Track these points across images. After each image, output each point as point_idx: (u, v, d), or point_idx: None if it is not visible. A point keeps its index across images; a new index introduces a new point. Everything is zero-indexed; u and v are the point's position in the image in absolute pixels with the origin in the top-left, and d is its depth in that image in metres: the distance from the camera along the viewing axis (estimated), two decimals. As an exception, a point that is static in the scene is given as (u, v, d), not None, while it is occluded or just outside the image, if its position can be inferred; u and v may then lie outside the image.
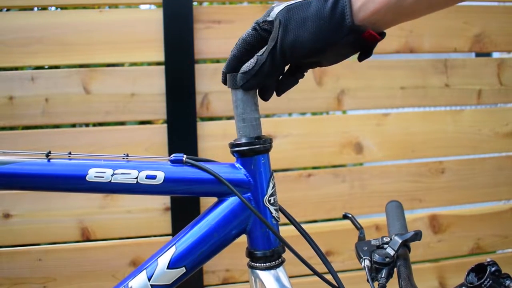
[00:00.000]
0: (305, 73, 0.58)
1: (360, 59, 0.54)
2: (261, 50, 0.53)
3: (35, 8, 1.40)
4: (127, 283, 0.56)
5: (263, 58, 0.53)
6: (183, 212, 1.22)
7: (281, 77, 0.58)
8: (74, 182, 0.55)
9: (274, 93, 0.59)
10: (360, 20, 0.48)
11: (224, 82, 0.58)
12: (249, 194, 0.57)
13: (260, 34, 0.54)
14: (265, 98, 0.59)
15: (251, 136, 0.57)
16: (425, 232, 1.38)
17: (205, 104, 1.26)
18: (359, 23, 0.48)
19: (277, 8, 0.53)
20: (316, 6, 0.50)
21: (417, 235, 0.60)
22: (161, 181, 0.56)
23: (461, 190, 1.42)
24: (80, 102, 1.20)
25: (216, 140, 1.26)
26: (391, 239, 0.60)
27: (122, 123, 1.47)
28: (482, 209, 1.45)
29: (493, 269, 0.49)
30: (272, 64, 0.53)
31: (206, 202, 1.23)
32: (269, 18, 0.53)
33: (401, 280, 0.57)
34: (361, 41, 0.50)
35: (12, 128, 1.29)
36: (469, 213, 1.43)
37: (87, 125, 1.64)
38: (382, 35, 0.51)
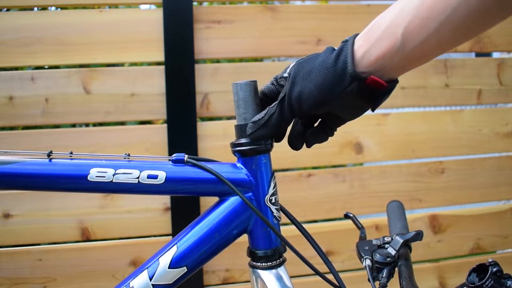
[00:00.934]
0: (335, 131, 0.59)
1: (372, 109, 0.53)
2: (274, 103, 0.55)
3: (35, 8, 1.40)
4: (128, 283, 0.56)
5: (272, 110, 0.54)
6: (183, 212, 1.22)
7: (311, 130, 0.59)
8: (75, 182, 0.55)
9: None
10: (365, 67, 0.48)
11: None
12: (250, 193, 0.57)
13: (277, 88, 0.56)
14: (294, 146, 0.60)
15: (252, 136, 0.57)
16: (425, 232, 1.38)
17: (205, 104, 1.26)
18: (364, 70, 0.48)
19: (292, 64, 0.54)
20: (322, 58, 0.51)
21: (419, 235, 0.60)
22: (163, 180, 0.56)
23: (461, 190, 1.42)
24: (80, 102, 1.20)
25: (216, 140, 1.26)
26: (392, 239, 0.60)
27: (122, 123, 1.47)
28: (482, 209, 1.45)
29: (494, 269, 0.48)
30: (281, 116, 0.53)
31: (206, 202, 1.23)
32: (285, 74, 0.54)
33: (402, 280, 0.57)
34: (367, 89, 0.49)
35: (12, 128, 1.29)
36: (469, 213, 1.43)
37: (87, 125, 1.63)
38: (392, 82, 0.50)
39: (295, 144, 0.59)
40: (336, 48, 0.51)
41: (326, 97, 0.50)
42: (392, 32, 0.46)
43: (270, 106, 0.55)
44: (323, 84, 0.50)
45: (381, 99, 0.51)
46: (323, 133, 0.58)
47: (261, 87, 0.59)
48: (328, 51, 0.51)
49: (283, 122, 0.54)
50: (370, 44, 0.48)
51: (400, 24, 0.45)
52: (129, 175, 0.55)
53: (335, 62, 0.49)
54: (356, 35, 0.50)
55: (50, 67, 1.30)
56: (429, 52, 0.47)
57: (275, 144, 0.60)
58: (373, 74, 0.48)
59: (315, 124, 0.59)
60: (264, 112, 0.55)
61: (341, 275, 0.59)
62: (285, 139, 0.60)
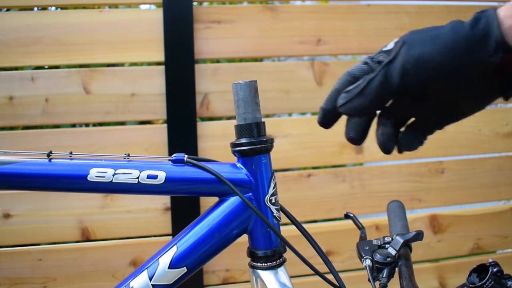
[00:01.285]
0: (427, 137, 0.48)
1: (506, 97, 0.42)
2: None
3: (35, 8, 1.40)
4: (128, 283, 0.56)
5: (372, 75, 0.42)
6: (183, 212, 1.22)
7: (404, 131, 0.49)
8: (75, 182, 0.55)
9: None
10: None
11: (322, 121, 0.49)
12: (250, 193, 0.57)
13: (371, 67, 0.45)
14: (386, 147, 0.48)
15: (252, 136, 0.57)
16: (425, 232, 1.37)
17: (205, 104, 1.26)
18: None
19: (394, 42, 0.44)
20: (450, 25, 0.41)
21: (419, 235, 0.60)
22: (163, 181, 0.56)
23: (461, 190, 1.42)
24: (80, 102, 1.20)
25: (216, 140, 1.26)
26: (392, 239, 0.60)
27: (122, 123, 1.46)
28: (482, 209, 1.45)
29: (495, 269, 0.48)
30: (384, 80, 0.42)
31: (206, 202, 1.23)
32: (386, 48, 0.44)
33: (402, 280, 0.57)
34: (508, 67, 0.39)
35: (12, 128, 1.29)
36: (469, 213, 1.43)
37: (87, 125, 1.63)
38: None
39: (388, 146, 0.48)
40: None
41: (455, 64, 0.39)
42: None
43: (368, 75, 0.43)
44: (454, 48, 0.39)
45: None
46: (416, 138, 0.48)
47: (261, 87, 0.59)
48: (455, 21, 0.41)
49: (385, 92, 0.42)
50: None
51: None
52: (129, 175, 0.55)
53: (471, 26, 0.39)
54: (495, 8, 0.40)
55: (50, 67, 1.30)
56: None
57: (275, 144, 0.60)
58: None
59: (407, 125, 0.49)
60: (360, 80, 0.44)
61: (341, 275, 0.59)
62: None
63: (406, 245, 0.60)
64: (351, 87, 0.44)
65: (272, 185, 0.58)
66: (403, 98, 0.44)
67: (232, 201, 0.57)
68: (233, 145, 0.58)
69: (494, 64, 0.38)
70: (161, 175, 0.56)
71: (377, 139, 0.49)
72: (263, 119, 0.59)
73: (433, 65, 0.40)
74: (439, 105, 0.44)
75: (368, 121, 0.49)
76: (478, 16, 0.40)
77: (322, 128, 0.52)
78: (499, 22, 0.38)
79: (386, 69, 0.42)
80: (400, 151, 0.49)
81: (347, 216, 0.68)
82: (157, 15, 1.22)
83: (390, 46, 0.44)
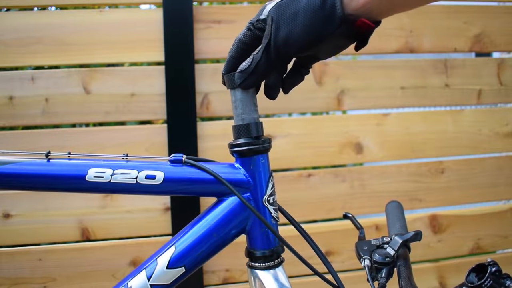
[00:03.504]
0: (310, 69, 0.58)
1: (357, 48, 0.53)
2: (257, 49, 0.54)
3: (35, 8, 1.40)
4: (127, 283, 0.56)
5: (258, 57, 0.53)
6: (183, 212, 1.22)
7: (287, 75, 0.58)
8: (73, 182, 0.55)
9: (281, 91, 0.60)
10: (353, 9, 0.48)
11: (224, 83, 0.58)
12: (248, 194, 0.57)
13: (255, 33, 0.54)
14: (272, 96, 0.59)
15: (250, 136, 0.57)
16: (425, 232, 1.38)
17: (205, 104, 1.26)
18: (352, 13, 0.48)
19: (269, 6, 0.54)
20: (307, 0, 0.50)
21: (417, 235, 0.60)
22: (161, 181, 0.56)
23: (461, 190, 1.42)
24: (80, 102, 1.20)
25: (216, 140, 1.26)
26: (391, 239, 0.60)
27: (122, 123, 1.47)
28: (482, 209, 1.45)
29: (493, 269, 0.49)
30: (267, 61, 0.53)
31: (206, 202, 1.23)
32: (262, 16, 0.53)
33: (401, 280, 0.57)
34: (355, 30, 0.49)
35: (12, 128, 1.29)
36: (469, 213, 1.43)
37: (87, 125, 1.63)
38: (377, 23, 0.50)
39: (272, 94, 0.59)
40: None
41: (314, 40, 0.50)
42: None
43: (255, 53, 0.54)
44: (311, 27, 0.49)
45: (367, 40, 0.52)
46: (299, 74, 0.58)
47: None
48: None
49: (271, 67, 0.54)
50: None
51: None
52: (127, 176, 0.55)
53: (322, 4, 0.48)
54: None
55: (50, 67, 1.30)
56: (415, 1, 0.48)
57: (275, 144, 0.60)
58: (360, 16, 0.48)
59: (289, 67, 0.58)
60: (249, 59, 0.54)
61: (340, 275, 0.59)
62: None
63: (405, 245, 0.60)
64: (243, 66, 0.55)
65: (270, 185, 0.58)
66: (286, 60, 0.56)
67: (230, 201, 0.57)
68: (231, 145, 0.58)
69: (342, 34, 0.50)
70: (159, 175, 0.56)
71: (263, 89, 0.59)
72: (262, 119, 0.59)
73: (298, 43, 0.51)
74: (304, 58, 0.57)
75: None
76: None
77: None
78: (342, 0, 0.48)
79: (266, 50, 0.53)
80: (286, 92, 0.60)
81: (345, 217, 0.68)
82: (157, 15, 1.22)
83: (264, 16, 0.53)
